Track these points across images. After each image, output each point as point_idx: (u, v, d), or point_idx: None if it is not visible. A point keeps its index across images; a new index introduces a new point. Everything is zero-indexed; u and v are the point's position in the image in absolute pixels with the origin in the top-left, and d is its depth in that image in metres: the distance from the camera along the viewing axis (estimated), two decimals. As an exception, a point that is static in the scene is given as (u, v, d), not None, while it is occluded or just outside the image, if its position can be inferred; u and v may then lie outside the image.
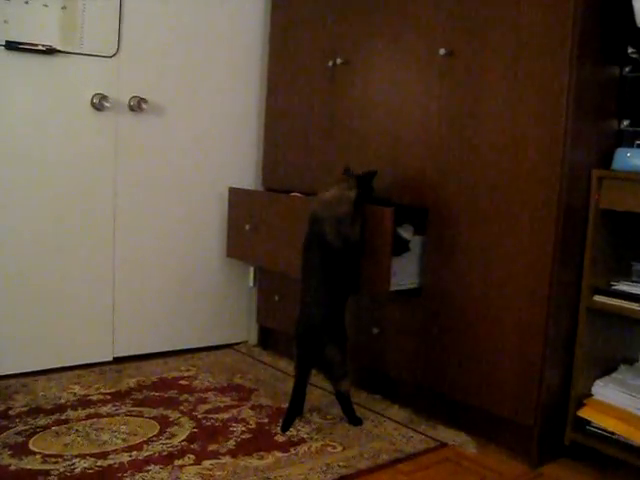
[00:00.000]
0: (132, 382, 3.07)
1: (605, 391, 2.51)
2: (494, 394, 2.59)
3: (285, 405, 2.82)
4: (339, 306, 2.71)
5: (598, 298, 2.44)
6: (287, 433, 2.61)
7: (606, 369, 2.62)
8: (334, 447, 2.53)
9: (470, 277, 2.66)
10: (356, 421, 2.76)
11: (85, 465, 2.25)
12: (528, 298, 2.47)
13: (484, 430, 2.68)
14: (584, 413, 2.50)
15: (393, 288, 2.75)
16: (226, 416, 2.75)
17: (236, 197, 3.47)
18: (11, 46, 2.86)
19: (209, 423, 2.66)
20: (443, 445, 2.63)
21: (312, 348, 2.67)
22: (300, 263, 2.75)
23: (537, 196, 2.43)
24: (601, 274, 2.48)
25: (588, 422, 2.49)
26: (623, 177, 2.36)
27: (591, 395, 2.55)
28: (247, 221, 3.34)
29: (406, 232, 2.84)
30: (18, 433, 2.46)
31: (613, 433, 2.42)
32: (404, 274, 2.83)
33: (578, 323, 2.48)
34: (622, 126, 2.55)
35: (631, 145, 2.48)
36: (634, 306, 2.35)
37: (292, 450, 2.48)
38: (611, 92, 2.52)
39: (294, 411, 2.71)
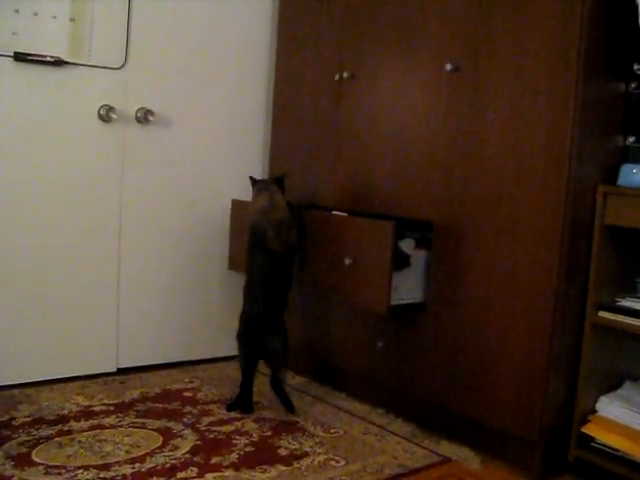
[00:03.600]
0: (136, 393, 3.07)
1: (610, 407, 2.51)
2: (498, 409, 2.58)
3: (289, 418, 2.88)
4: (280, 303, 2.94)
5: (603, 314, 2.44)
6: (290, 446, 2.61)
7: (611, 385, 2.61)
8: (337, 461, 2.52)
9: (474, 292, 2.65)
10: (291, 408, 2.94)
11: (88, 477, 2.24)
12: (533, 314, 2.46)
13: (488, 445, 2.67)
14: (588, 429, 2.49)
15: (394, 303, 2.74)
16: (229, 429, 2.74)
17: (237, 209, 3.46)
18: (20, 57, 2.87)
19: (212, 436, 2.66)
20: (447, 460, 2.62)
21: (256, 343, 2.90)
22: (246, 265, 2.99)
23: (543, 211, 2.43)
24: (606, 290, 2.47)
25: (592, 438, 2.48)
26: (628, 193, 2.36)
27: (595, 411, 2.54)
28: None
29: (407, 246, 2.84)
30: (21, 443, 2.46)
31: (617, 450, 2.41)
32: (406, 289, 2.83)
33: (583, 339, 2.48)
34: (627, 142, 2.55)
35: (636, 161, 2.48)
36: (639, 322, 2.34)
37: (295, 464, 2.47)
38: (617, 108, 2.53)
39: (244, 399, 2.95)
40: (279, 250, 2.88)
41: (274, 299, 2.91)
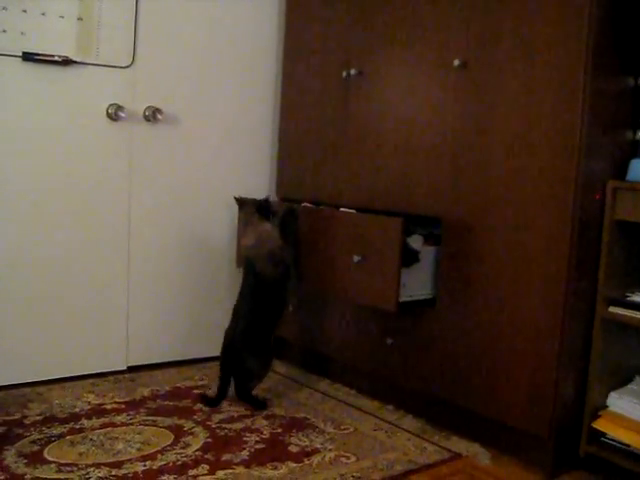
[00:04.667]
0: (146, 391, 3.08)
1: (620, 403, 2.50)
2: (508, 405, 2.58)
3: (299, 415, 2.90)
4: (266, 326, 2.98)
5: (613, 309, 2.43)
6: (301, 443, 2.62)
7: (621, 380, 2.60)
8: (348, 457, 2.53)
9: (483, 287, 2.65)
10: (261, 405, 2.98)
11: (100, 474, 2.26)
12: (543, 309, 2.46)
13: (498, 441, 2.67)
14: (599, 425, 2.49)
15: (403, 299, 2.75)
16: (240, 426, 2.75)
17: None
18: (28, 57, 2.88)
19: (223, 433, 2.67)
20: (457, 456, 2.62)
21: (231, 361, 2.95)
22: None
23: (552, 207, 2.43)
24: (616, 285, 2.47)
25: (603, 434, 2.48)
26: (638, 188, 2.35)
27: (606, 407, 2.54)
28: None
29: (415, 243, 2.84)
30: (33, 442, 2.47)
31: (628, 445, 2.41)
32: (415, 285, 2.83)
33: (593, 334, 2.47)
34: (637, 137, 2.54)
35: (646, 156, 2.48)
36: (649, 317, 2.34)
37: (306, 460, 2.48)
38: (626, 103, 2.52)
39: (220, 397, 2.99)
40: (272, 278, 2.96)
41: (259, 321, 2.95)
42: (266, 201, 3.08)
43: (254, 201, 3.07)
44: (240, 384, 2.98)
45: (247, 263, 3.01)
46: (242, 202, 3.11)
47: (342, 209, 3.10)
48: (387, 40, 3.04)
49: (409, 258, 2.78)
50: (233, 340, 2.95)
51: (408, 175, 2.95)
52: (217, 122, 3.52)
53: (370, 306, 2.90)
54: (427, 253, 2.86)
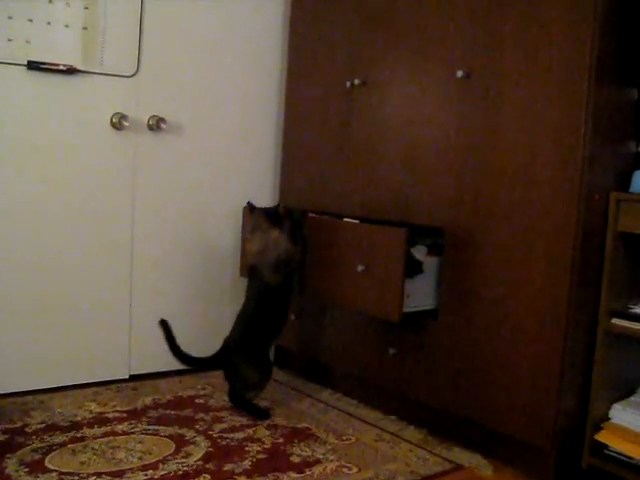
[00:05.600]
0: (148, 400, 3.08)
1: (623, 415, 2.50)
2: (511, 416, 2.58)
3: (301, 425, 2.89)
4: (265, 335, 3.01)
5: (616, 321, 2.43)
6: (303, 453, 2.61)
7: (624, 392, 2.60)
8: (349, 468, 2.52)
9: (486, 299, 2.65)
10: (263, 414, 2.96)
11: (101, 483, 2.26)
12: (545, 321, 2.46)
13: (500, 452, 2.66)
14: (602, 437, 2.48)
15: (406, 310, 2.74)
16: (241, 435, 2.74)
17: (249, 216, 3.46)
18: (33, 66, 2.89)
19: (225, 443, 2.66)
20: (459, 467, 2.61)
21: (227, 366, 3.00)
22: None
23: (555, 218, 2.42)
24: (619, 297, 2.47)
25: (606, 446, 2.48)
26: (641, 200, 2.36)
27: (609, 419, 2.53)
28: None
29: (419, 253, 2.84)
30: (35, 450, 2.47)
31: (631, 458, 2.40)
32: (418, 296, 2.83)
33: (596, 346, 2.47)
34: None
35: (649, 168, 2.48)
36: (652, 330, 2.34)
37: (307, 471, 2.47)
38: (629, 114, 2.52)
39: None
40: (277, 285, 2.97)
41: (259, 329, 2.98)
42: (277, 208, 3.09)
43: (265, 208, 3.11)
44: (233, 390, 3.00)
45: (253, 271, 3.01)
46: (253, 208, 3.11)
47: (346, 219, 3.10)
48: (391, 51, 3.05)
49: (413, 268, 2.78)
50: (229, 342, 2.99)
51: (412, 185, 2.95)
52: (221, 132, 3.53)
53: (374, 316, 2.90)
54: (430, 264, 2.86)
